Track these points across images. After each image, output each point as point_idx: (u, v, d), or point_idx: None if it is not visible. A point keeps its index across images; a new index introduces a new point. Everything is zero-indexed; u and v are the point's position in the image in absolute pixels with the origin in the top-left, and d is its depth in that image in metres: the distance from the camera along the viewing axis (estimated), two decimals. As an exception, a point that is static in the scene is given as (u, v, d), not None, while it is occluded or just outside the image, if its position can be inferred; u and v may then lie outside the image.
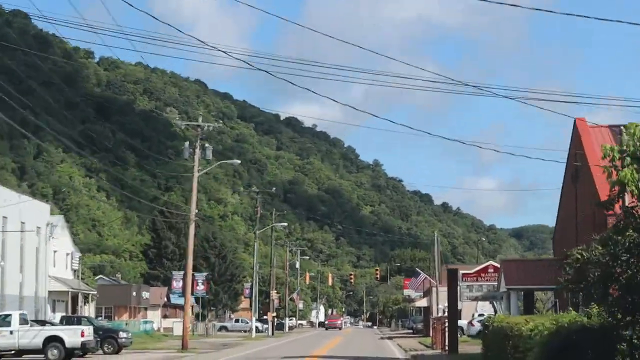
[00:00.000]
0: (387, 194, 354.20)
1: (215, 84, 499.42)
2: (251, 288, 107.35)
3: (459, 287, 54.35)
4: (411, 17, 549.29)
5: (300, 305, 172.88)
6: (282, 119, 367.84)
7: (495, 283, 59.76)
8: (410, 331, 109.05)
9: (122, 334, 58.77)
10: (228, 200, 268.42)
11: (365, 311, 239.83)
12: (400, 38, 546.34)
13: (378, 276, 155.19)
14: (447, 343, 48.68)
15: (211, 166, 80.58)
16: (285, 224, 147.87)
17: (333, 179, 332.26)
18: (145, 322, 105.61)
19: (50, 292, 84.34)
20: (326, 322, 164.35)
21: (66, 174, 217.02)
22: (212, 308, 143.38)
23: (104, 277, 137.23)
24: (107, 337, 57.08)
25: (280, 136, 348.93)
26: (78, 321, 58.24)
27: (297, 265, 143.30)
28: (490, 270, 64.43)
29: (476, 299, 66.93)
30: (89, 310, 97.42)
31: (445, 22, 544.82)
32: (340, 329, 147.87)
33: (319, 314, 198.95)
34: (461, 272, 62.85)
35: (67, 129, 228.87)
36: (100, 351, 56.05)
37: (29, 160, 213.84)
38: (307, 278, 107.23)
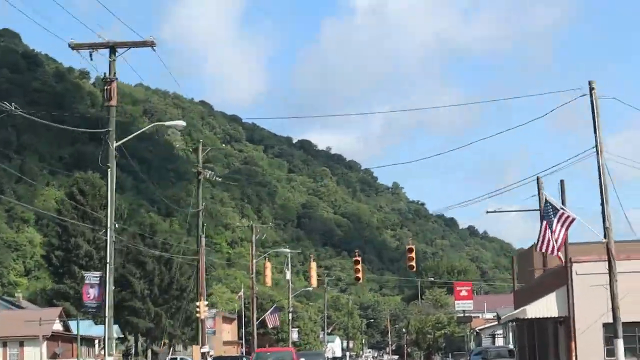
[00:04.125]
0: (410, 218, 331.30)
1: (223, 107, 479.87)
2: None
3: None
4: (428, 40, 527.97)
5: (295, 336, 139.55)
6: (294, 142, 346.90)
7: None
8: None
9: None
10: (236, 225, 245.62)
11: (390, 342, 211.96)
12: (420, 61, 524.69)
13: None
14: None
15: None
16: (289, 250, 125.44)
17: (350, 202, 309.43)
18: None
19: None
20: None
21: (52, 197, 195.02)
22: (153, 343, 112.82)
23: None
24: None
25: (292, 159, 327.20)
26: None
27: (288, 276, 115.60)
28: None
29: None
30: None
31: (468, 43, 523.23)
32: None
33: (326, 345, 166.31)
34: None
35: (55, 150, 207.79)
36: None
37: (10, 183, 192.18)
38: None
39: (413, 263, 53.85)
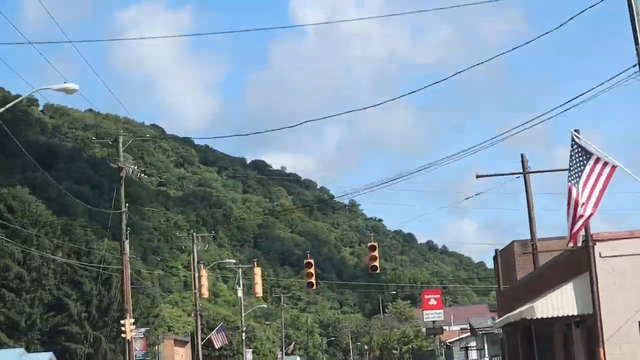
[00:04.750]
0: (367, 234, 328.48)
1: (174, 130, 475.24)
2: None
3: None
4: (381, 56, 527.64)
5: (249, 357, 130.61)
6: (248, 162, 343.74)
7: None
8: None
9: None
10: (190, 248, 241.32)
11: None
12: (371, 78, 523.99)
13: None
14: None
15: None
16: (233, 261, 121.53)
17: (307, 220, 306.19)
18: None
19: None
20: None
21: None
22: None
23: None
24: None
25: (246, 180, 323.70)
26: None
27: (239, 293, 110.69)
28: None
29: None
30: None
31: (416, 60, 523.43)
32: None
33: None
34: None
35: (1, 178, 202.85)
36: None
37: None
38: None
39: (376, 263, 48.75)
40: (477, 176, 46.85)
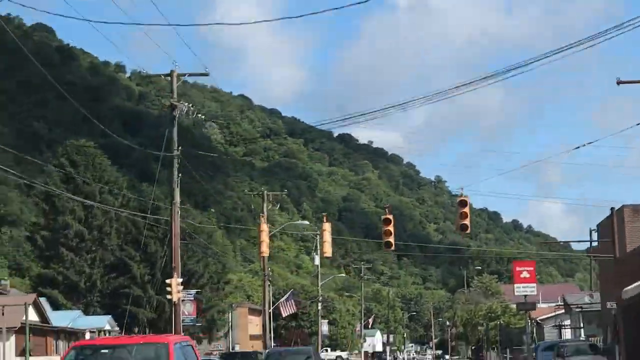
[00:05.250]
0: (452, 211, 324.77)
1: (262, 100, 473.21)
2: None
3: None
4: (471, 32, 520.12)
5: (325, 329, 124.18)
6: (334, 136, 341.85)
7: None
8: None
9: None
10: (276, 219, 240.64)
11: (433, 336, 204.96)
12: (461, 53, 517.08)
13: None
14: None
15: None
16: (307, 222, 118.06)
17: (392, 195, 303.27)
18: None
19: None
20: None
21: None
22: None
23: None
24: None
25: (333, 152, 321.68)
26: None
27: (316, 261, 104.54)
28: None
29: None
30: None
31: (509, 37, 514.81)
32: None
33: (363, 339, 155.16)
34: None
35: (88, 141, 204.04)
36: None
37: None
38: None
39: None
40: (618, 82, 38.49)
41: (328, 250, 56.91)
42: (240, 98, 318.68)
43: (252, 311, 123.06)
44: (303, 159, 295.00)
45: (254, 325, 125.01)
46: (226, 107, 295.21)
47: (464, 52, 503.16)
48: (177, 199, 45.15)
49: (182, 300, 50.01)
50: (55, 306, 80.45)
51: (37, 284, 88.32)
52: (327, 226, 56.90)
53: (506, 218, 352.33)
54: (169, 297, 44.05)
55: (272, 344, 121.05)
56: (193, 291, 71.08)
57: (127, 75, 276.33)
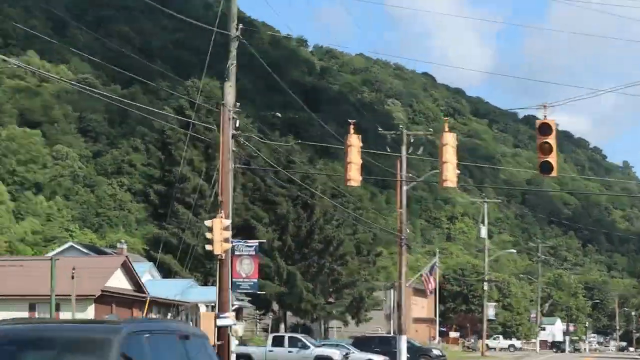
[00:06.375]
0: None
1: (446, 79, 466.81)
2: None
3: None
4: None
5: (491, 312, 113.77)
6: (520, 117, 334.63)
7: None
8: None
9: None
10: (456, 200, 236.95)
11: (618, 327, 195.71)
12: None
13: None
14: None
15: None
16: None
17: (578, 180, 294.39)
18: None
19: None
20: None
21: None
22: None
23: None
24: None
25: (517, 134, 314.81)
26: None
27: (483, 233, 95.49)
28: None
29: None
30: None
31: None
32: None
33: (539, 328, 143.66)
34: None
35: (264, 113, 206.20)
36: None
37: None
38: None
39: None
40: None
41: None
42: (424, 76, 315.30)
43: (418, 292, 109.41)
44: (487, 139, 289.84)
45: (419, 307, 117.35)
46: (410, 86, 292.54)
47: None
48: (231, 100, 32.71)
49: (239, 256, 37.22)
50: (169, 274, 71.37)
51: (149, 247, 76.87)
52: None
53: None
54: (208, 247, 29.97)
55: (437, 329, 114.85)
56: (254, 242, 43.04)
57: (310, 49, 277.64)
